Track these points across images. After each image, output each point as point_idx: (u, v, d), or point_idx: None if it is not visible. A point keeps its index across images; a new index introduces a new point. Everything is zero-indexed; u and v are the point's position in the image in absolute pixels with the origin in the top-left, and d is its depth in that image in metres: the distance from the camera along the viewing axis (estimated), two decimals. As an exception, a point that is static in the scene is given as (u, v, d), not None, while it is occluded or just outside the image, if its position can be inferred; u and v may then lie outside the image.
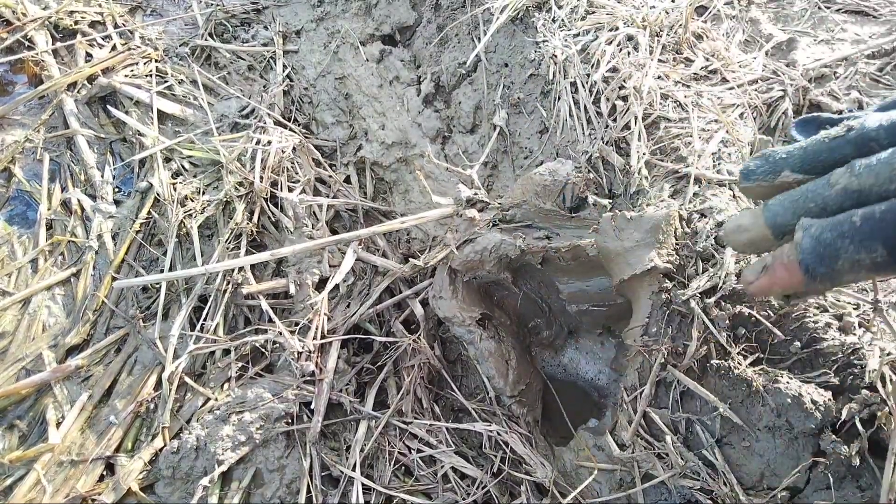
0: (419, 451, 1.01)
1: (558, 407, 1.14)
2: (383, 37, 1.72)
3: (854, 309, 0.80)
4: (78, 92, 1.59)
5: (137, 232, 1.37)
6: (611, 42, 1.19)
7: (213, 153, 1.43)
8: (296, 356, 1.07)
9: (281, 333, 1.10)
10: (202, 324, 1.18)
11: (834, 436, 0.71)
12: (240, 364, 1.13)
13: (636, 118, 1.05)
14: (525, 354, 1.15)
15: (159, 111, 1.55)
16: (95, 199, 1.42)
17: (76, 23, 1.72)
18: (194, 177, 1.43)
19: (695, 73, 1.15)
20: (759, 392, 0.75)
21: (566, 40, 1.23)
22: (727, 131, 1.02)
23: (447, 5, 1.56)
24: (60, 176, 1.48)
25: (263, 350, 1.14)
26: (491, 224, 1.09)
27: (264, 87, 1.63)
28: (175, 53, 1.71)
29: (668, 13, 1.23)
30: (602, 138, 1.09)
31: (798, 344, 0.77)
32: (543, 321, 1.18)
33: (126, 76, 1.61)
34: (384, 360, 1.14)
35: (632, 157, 1.03)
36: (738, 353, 0.78)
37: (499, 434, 1.01)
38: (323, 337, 1.11)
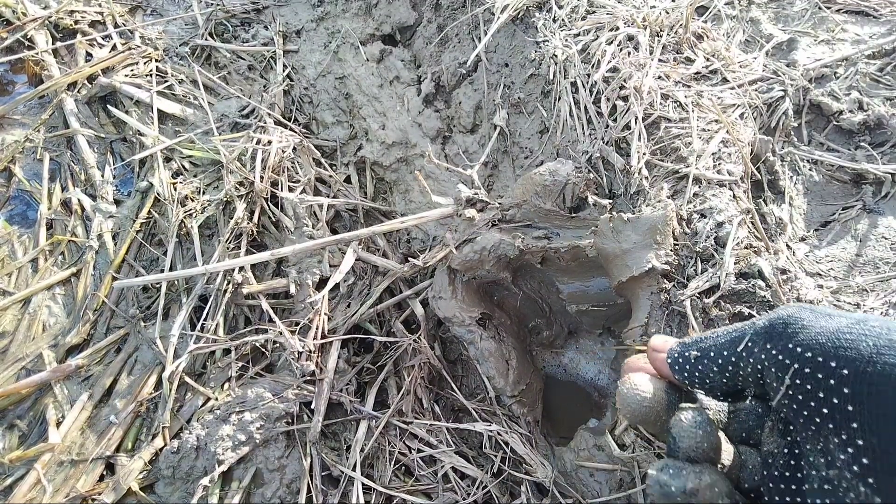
0: (419, 451, 1.01)
1: (558, 407, 1.14)
2: (383, 37, 1.71)
3: (854, 309, 0.80)
4: (78, 92, 1.59)
5: (138, 232, 1.37)
6: (611, 42, 1.19)
7: (214, 153, 1.43)
8: (296, 356, 1.07)
9: (281, 333, 1.10)
10: (202, 324, 1.18)
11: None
12: (240, 364, 1.13)
13: (636, 118, 1.05)
14: (525, 354, 1.15)
15: (159, 111, 1.55)
16: (95, 198, 1.42)
17: (76, 22, 1.72)
18: (194, 176, 1.43)
19: (695, 74, 1.15)
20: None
21: (566, 40, 1.23)
22: (727, 131, 1.02)
23: (447, 5, 1.56)
24: (60, 175, 1.48)
25: (264, 350, 1.14)
26: (490, 224, 1.09)
27: (264, 86, 1.63)
28: (175, 53, 1.71)
29: (668, 13, 1.23)
30: (602, 138, 1.09)
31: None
32: (544, 321, 1.18)
33: (126, 76, 1.61)
34: (384, 360, 1.14)
35: (632, 157, 1.03)
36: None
37: (499, 434, 1.01)
38: (323, 337, 1.11)
